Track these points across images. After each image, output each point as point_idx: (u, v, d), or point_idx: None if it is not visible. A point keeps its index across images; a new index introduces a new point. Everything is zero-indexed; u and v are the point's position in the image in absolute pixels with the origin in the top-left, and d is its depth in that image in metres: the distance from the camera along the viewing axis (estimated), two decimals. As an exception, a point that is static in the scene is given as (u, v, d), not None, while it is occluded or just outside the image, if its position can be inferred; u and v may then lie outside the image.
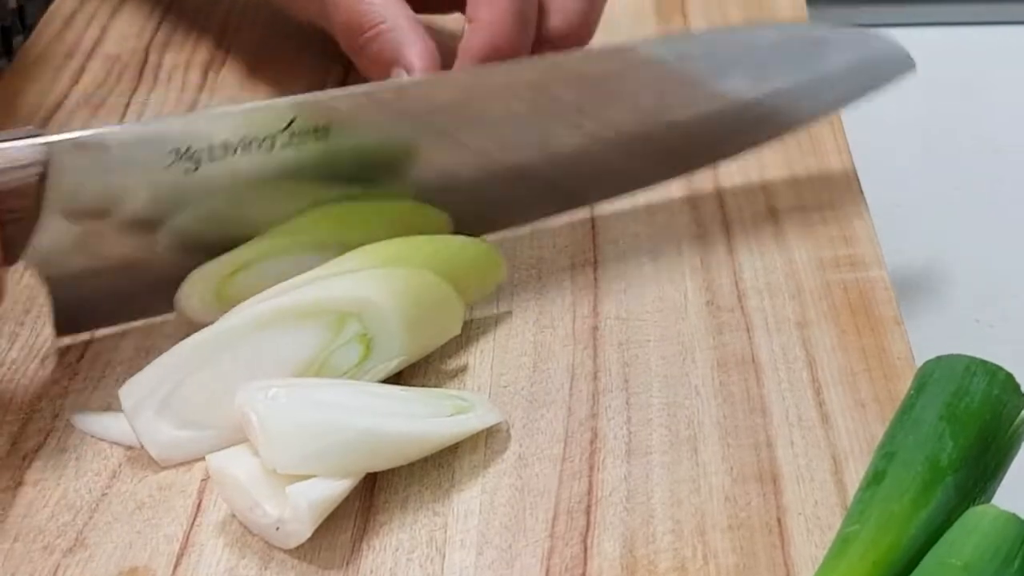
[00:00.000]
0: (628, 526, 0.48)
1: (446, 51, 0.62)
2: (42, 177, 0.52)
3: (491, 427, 0.52)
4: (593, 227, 0.64)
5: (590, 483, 0.50)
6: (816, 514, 0.48)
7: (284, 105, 0.55)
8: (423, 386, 0.54)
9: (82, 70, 0.74)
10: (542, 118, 0.59)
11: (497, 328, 0.57)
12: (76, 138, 0.52)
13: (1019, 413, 0.47)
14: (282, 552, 0.48)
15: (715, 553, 0.47)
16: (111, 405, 0.54)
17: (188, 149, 0.54)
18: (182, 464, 0.51)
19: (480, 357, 0.56)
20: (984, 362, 0.48)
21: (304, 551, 0.48)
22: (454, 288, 0.55)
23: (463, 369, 0.55)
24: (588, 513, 0.49)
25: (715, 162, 0.65)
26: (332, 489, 0.47)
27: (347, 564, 0.48)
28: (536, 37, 0.62)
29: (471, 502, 0.50)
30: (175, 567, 0.48)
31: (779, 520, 0.48)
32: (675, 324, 0.57)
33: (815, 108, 0.65)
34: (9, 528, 0.49)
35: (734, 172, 0.67)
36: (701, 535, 0.48)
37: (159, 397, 0.51)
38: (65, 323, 0.56)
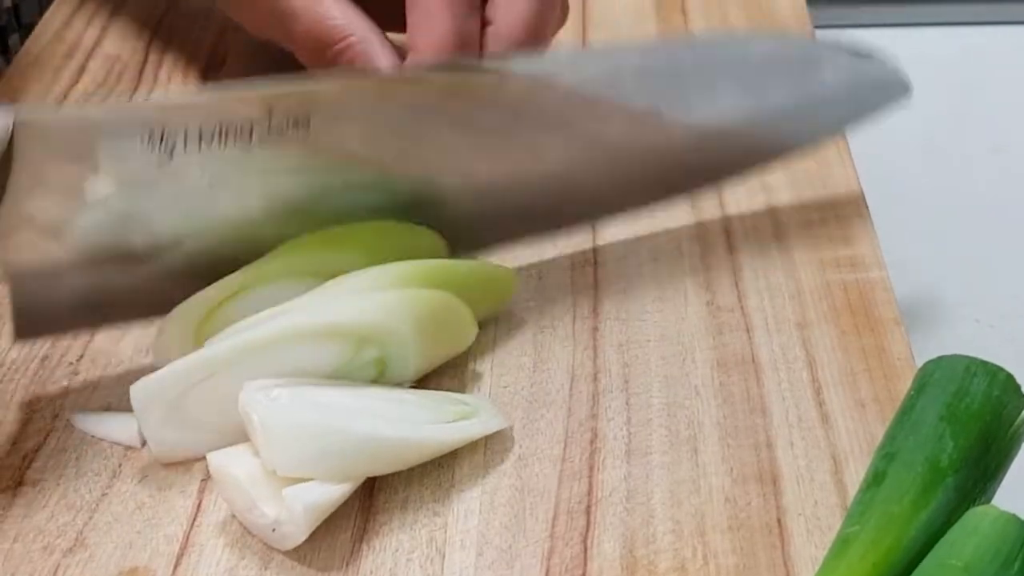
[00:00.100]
0: (628, 526, 0.48)
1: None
2: (7, 155, 0.50)
3: (491, 428, 0.52)
4: (593, 227, 0.63)
5: (590, 483, 0.50)
6: (816, 515, 0.48)
7: (261, 89, 0.54)
8: (424, 387, 0.54)
9: (82, 70, 0.74)
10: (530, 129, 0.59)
11: (498, 329, 0.57)
12: (44, 114, 0.51)
13: (1019, 414, 0.47)
14: (282, 552, 0.48)
15: (715, 554, 0.47)
16: (111, 405, 0.54)
17: (162, 134, 0.52)
18: (182, 464, 0.51)
19: (481, 358, 0.56)
20: (984, 363, 0.48)
21: (304, 551, 0.48)
22: (467, 306, 0.55)
23: (464, 370, 0.55)
24: (588, 513, 0.49)
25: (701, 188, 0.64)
26: (330, 493, 0.47)
27: (347, 564, 0.48)
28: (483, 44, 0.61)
29: (471, 502, 0.50)
30: (175, 567, 0.48)
31: (779, 521, 0.48)
32: (675, 324, 0.57)
33: (799, 135, 0.64)
34: (9, 528, 0.49)
35: (734, 172, 0.67)
36: (701, 535, 0.48)
37: (169, 399, 0.50)
38: (25, 325, 0.54)
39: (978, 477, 0.45)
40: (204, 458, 0.50)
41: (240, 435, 0.49)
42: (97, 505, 0.50)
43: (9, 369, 0.56)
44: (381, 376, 0.52)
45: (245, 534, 0.49)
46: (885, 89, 0.64)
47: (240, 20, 0.68)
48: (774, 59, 0.62)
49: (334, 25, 0.61)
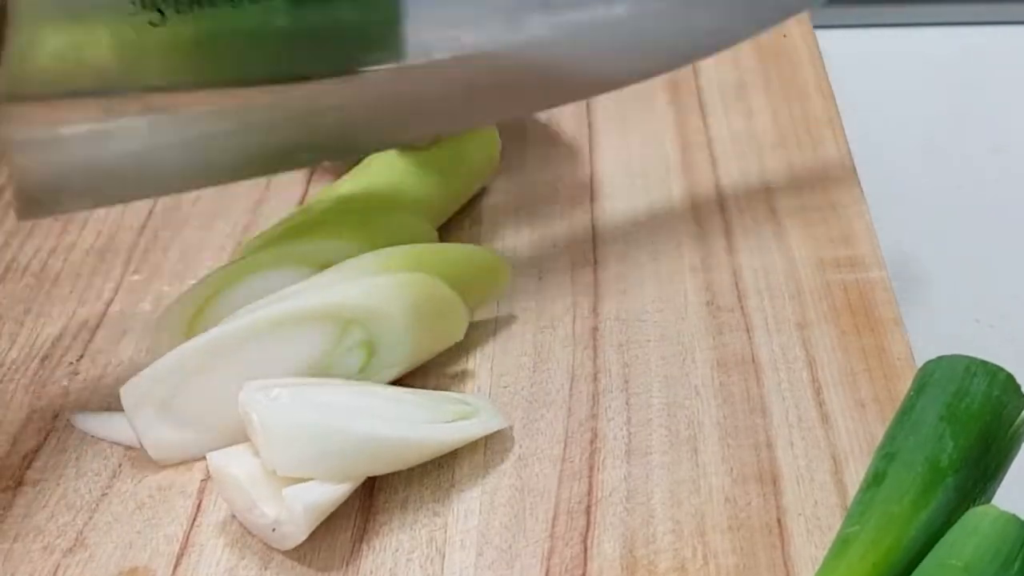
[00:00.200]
0: (628, 526, 0.48)
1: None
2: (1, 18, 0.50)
3: (491, 428, 0.52)
4: (593, 227, 0.64)
5: (590, 483, 0.50)
6: (816, 514, 0.48)
7: None
8: (423, 387, 0.54)
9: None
10: None
11: (497, 329, 0.57)
12: None
13: (1019, 414, 0.47)
14: (282, 552, 0.48)
15: (715, 553, 0.47)
16: (111, 405, 0.54)
17: None
18: (182, 464, 0.51)
19: (480, 358, 0.56)
20: (984, 363, 0.47)
21: (304, 551, 0.48)
22: (459, 294, 0.55)
23: (464, 370, 0.55)
24: (588, 513, 0.49)
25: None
26: (330, 493, 0.47)
27: (347, 564, 0.48)
28: None
29: (471, 502, 0.50)
30: (175, 567, 0.48)
31: (779, 521, 0.48)
32: (675, 324, 0.57)
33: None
34: (9, 528, 0.49)
35: (734, 172, 0.67)
36: (701, 535, 0.48)
37: (160, 397, 0.51)
38: (27, 203, 0.53)
39: (978, 477, 0.45)
40: (204, 458, 0.50)
41: (238, 434, 0.49)
42: (97, 505, 0.50)
43: (9, 369, 0.56)
44: (370, 362, 0.52)
45: (245, 534, 0.49)
46: None
47: None
48: None
49: None
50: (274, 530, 0.47)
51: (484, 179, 0.66)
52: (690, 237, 0.62)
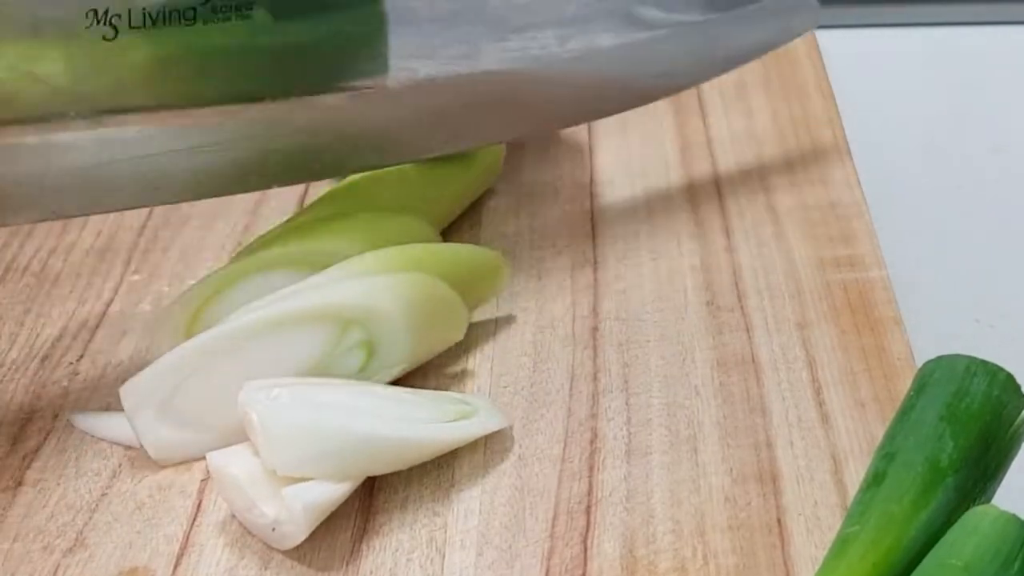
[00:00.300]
0: (628, 526, 0.48)
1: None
2: None
3: (491, 427, 0.52)
4: (593, 227, 0.64)
5: (590, 483, 0.50)
6: (816, 514, 0.48)
7: None
8: (423, 387, 0.54)
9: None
10: None
11: (497, 328, 0.57)
12: None
13: (1019, 414, 0.47)
14: (282, 552, 0.48)
15: (715, 553, 0.47)
16: (111, 405, 0.54)
17: (106, 10, 0.51)
18: (182, 464, 0.51)
19: (480, 357, 0.56)
20: (984, 362, 0.47)
21: (303, 551, 0.48)
22: (459, 294, 0.55)
23: (463, 370, 0.55)
24: (588, 513, 0.49)
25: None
26: (329, 492, 0.47)
27: (346, 564, 0.47)
28: None
29: (471, 502, 0.50)
30: (175, 567, 0.48)
31: (779, 520, 0.48)
32: (675, 324, 0.57)
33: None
34: (9, 528, 0.49)
35: (734, 172, 0.67)
36: (701, 535, 0.48)
37: (159, 397, 0.51)
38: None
39: (978, 477, 0.45)
40: (203, 458, 0.50)
41: (238, 433, 0.49)
42: (97, 505, 0.50)
43: (9, 369, 0.56)
44: (370, 361, 0.52)
45: (245, 534, 0.49)
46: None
47: None
48: None
49: None
50: (274, 530, 0.47)
51: (488, 183, 0.66)
52: (690, 237, 0.62)
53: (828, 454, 0.51)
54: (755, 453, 0.51)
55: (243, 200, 0.66)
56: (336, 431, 0.48)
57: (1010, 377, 0.47)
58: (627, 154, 0.69)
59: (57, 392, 0.55)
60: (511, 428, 0.52)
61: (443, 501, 0.50)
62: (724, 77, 0.69)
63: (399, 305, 0.52)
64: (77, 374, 0.56)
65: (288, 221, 0.59)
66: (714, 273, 0.60)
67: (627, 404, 0.53)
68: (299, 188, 0.67)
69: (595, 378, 0.55)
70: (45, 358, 0.57)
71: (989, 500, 0.46)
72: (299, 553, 0.48)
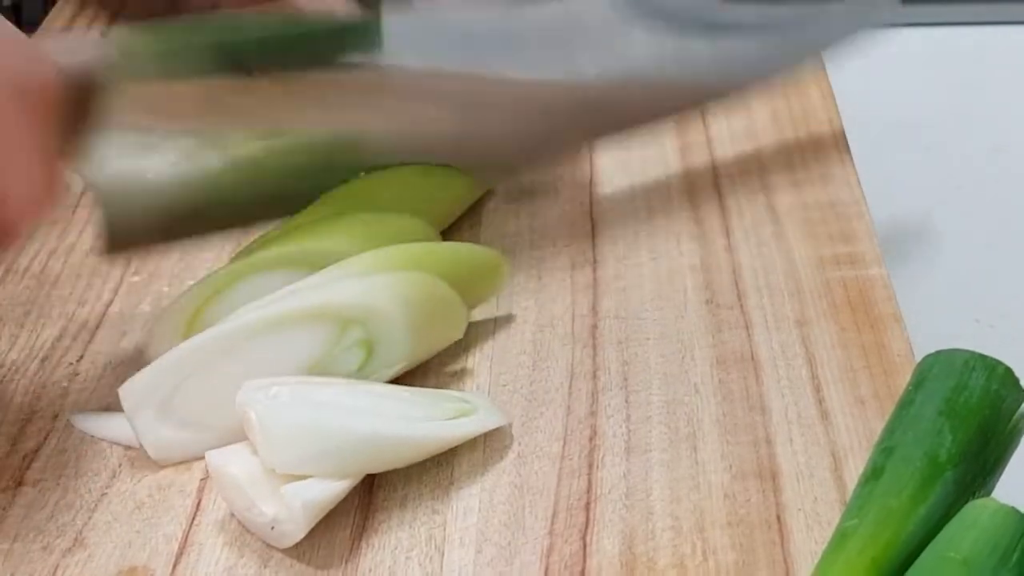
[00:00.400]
0: (627, 523, 0.48)
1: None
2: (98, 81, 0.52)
3: (490, 425, 0.52)
4: (593, 227, 0.64)
5: (589, 481, 0.50)
6: (816, 510, 0.48)
7: None
8: (423, 385, 0.54)
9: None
10: None
11: (497, 327, 0.57)
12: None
13: (1018, 407, 0.47)
14: (281, 550, 0.48)
15: (714, 550, 0.47)
16: (111, 405, 0.54)
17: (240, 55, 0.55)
18: (181, 464, 0.51)
19: (480, 356, 0.56)
20: (983, 357, 0.47)
21: (303, 550, 0.48)
22: (458, 293, 0.55)
23: (463, 368, 0.55)
24: (587, 510, 0.49)
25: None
26: (328, 490, 0.47)
27: (346, 563, 0.47)
28: None
29: (470, 500, 0.50)
30: (174, 566, 0.48)
31: (778, 517, 0.48)
32: (674, 322, 0.57)
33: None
34: (9, 528, 0.49)
35: (734, 171, 0.67)
36: (700, 532, 0.48)
37: (159, 397, 0.51)
38: (113, 239, 0.56)
39: (977, 471, 0.45)
40: (203, 457, 0.50)
41: (237, 433, 0.49)
42: (96, 505, 0.50)
43: (9, 369, 0.56)
44: (369, 360, 0.52)
45: (244, 532, 0.49)
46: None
47: None
48: None
49: None
50: (273, 528, 0.47)
51: (489, 183, 0.66)
52: (689, 236, 0.62)
53: (828, 451, 0.51)
54: (755, 450, 0.51)
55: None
56: (335, 429, 0.48)
57: (1009, 371, 0.47)
58: (627, 154, 0.69)
59: (57, 392, 0.55)
60: (510, 426, 0.52)
61: (442, 499, 0.50)
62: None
63: (398, 304, 0.52)
64: (77, 374, 0.56)
65: (288, 221, 0.59)
66: (713, 271, 0.60)
67: (626, 402, 0.53)
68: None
69: (594, 376, 0.55)
70: (45, 359, 0.57)
71: (988, 493, 0.46)
72: (298, 551, 0.48)
